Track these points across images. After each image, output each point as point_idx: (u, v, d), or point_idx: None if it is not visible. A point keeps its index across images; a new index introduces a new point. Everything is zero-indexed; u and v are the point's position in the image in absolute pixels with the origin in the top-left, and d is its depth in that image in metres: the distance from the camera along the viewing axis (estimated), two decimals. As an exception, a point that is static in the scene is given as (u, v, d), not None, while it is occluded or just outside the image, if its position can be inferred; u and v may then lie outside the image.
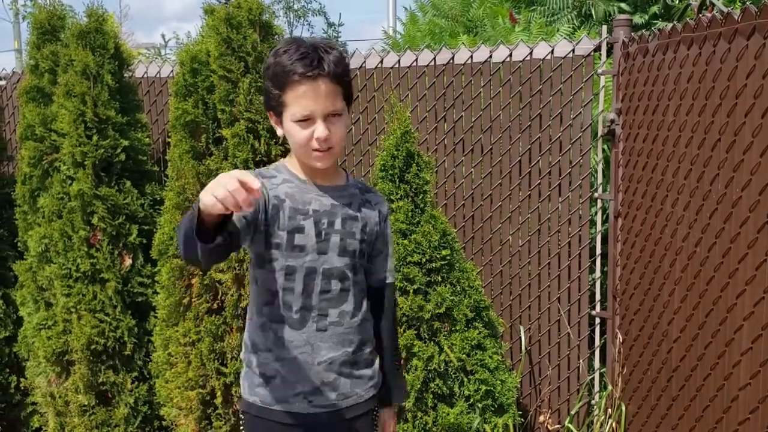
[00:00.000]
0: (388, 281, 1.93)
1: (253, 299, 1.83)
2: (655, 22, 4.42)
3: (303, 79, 1.64)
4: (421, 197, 2.92)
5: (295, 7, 10.00)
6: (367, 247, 1.84)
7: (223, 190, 1.35)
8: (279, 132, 1.77)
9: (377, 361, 1.91)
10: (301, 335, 1.75)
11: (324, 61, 1.65)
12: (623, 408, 3.02)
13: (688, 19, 2.60)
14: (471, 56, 3.36)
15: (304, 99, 1.66)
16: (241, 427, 1.85)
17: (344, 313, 1.79)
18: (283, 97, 1.68)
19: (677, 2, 4.43)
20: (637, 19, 4.38)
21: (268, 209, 1.71)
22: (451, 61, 3.40)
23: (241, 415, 1.85)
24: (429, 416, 2.83)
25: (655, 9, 4.46)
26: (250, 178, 1.37)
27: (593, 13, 4.47)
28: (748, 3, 3.15)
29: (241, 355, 1.87)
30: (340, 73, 1.68)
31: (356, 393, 1.82)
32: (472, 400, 2.86)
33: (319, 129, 1.67)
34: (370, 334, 1.88)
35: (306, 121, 1.67)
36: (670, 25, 2.60)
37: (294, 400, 1.77)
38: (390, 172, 2.91)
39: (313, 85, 1.65)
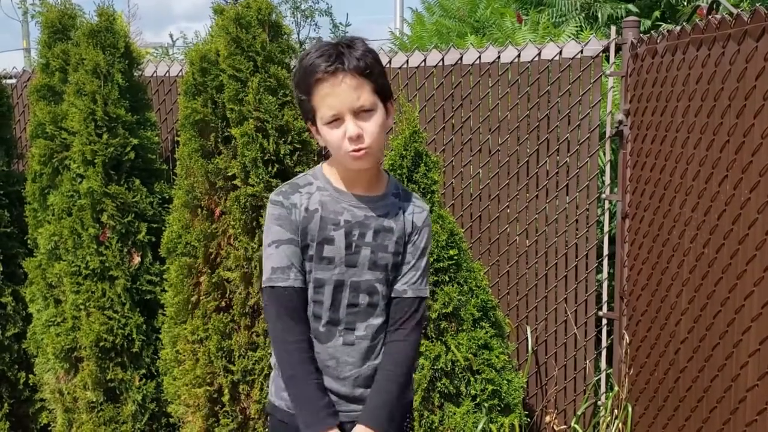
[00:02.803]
0: (406, 295, 1.74)
1: None
2: (660, 24, 4.42)
3: (324, 76, 1.57)
4: (429, 197, 2.93)
5: (303, 7, 9.99)
6: (401, 259, 1.75)
7: None
8: (321, 142, 1.68)
9: None
10: (326, 349, 1.71)
11: (344, 55, 1.57)
12: (629, 409, 3.02)
13: (696, 20, 2.60)
14: (479, 57, 3.37)
15: (328, 98, 1.58)
16: (266, 429, 1.81)
17: (372, 327, 1.73)
18: (311, 101, 1.61)
19: (684, 4, 4.43)
20: (644, 20, 4.37)
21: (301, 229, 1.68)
22: (460, 62, 3.41)
23: (267, 417, 1.80)
24: (435, 415, 2.84)
25: (657, 13, 4.46)
26: None
27: (599, 15, 4.47)
28: (758, 4, 3.14)
29: (271, 359, 1.84)
30: (363, 67, 1.58)
31: None
32: (478, 400, 2.87)
33: (349, 127, 1.58)
34: None
35: (336, 121, 1.59)
36: (679, 26, 2.61)
37: None
38: (398, 171, 2.92)
39: (335, 81, 1.57)
